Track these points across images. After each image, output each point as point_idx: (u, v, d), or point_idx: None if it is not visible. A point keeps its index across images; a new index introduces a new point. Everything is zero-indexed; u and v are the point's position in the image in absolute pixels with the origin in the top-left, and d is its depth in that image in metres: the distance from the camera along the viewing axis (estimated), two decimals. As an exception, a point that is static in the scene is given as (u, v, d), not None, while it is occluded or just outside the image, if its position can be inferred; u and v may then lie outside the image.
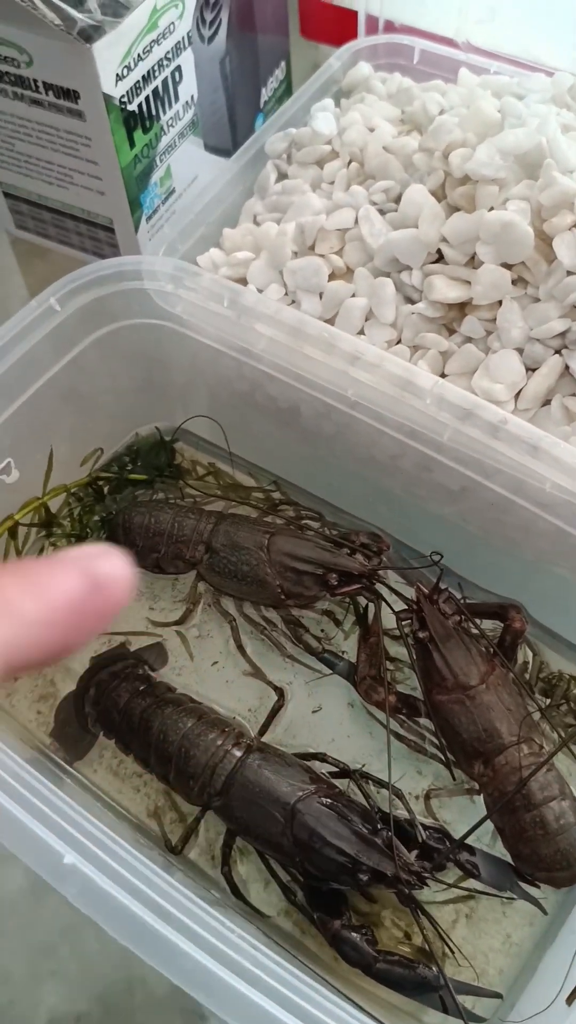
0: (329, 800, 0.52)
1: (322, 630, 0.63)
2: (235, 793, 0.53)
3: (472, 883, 0.53)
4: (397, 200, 0.63)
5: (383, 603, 0.60)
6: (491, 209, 0.57)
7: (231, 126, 0.82)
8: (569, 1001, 0.44)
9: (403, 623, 0.58)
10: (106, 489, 0.68)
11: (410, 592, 0.60)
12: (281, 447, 0.68)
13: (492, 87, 0.67)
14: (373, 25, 0.84)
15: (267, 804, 0.52)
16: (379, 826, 0.52)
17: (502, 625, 0.59)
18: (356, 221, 0.62)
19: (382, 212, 0.63)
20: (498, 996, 0.52)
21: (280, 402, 0.64)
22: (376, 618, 0.60)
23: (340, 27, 0.89)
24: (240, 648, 0.62)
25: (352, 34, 0.85)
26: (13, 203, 0.81)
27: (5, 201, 0.81)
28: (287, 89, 0.91)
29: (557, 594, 0.61)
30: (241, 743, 0.55)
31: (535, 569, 0.61)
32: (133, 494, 0.68)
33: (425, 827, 0.54)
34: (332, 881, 0.52)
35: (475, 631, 0.58)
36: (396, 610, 0.59)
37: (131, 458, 0.69)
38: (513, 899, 0.53)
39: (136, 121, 0.69)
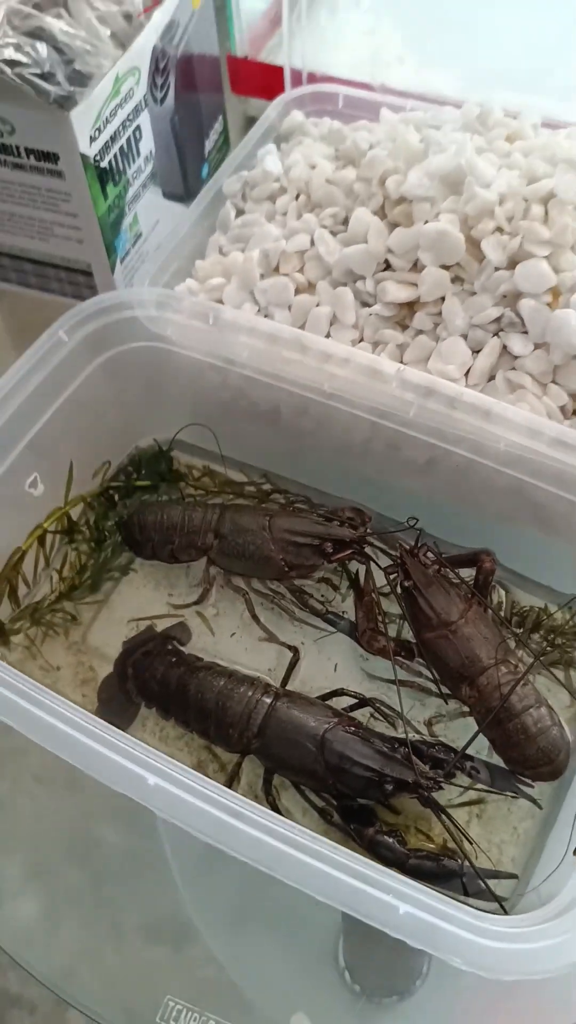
0: (352, 728, 0.61)
1: (323, 595, 0.73)
2: (271, 734, 0.62)
3: (479, 786, 0.63)
4: (344, 223, 0.74)
5: (372, 564, 0.70)
6: (427, 222, 0.68)
7: (183, 175, 0.93)
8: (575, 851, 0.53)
9: (391, 577, 0.68)
10: (116, 497, 0.76)
11: (394, 555, 0.70)
12: (266, 445, 0.77)
13: (411, 122, 0.79)
14: (298, 77, 0.96)
15: (300, 738, 0.61)
16: (396, 745, 0.61)
17: (475, 570, 0.69)
18: (312, 243, 0.73)
19: (333, 234, 0.73)
20: (514, 876, 0.61)
21: (262, 405, 0.73)
22: (368, 577, 0.69)
23: (266, 82, 1.01)
24: (255, 617, 0.71)
25: (277, 87, 0.97)
26: (-6, 259, 0.90)
27: (-14, 258, 0.90)
28: (225, 140, 1.02)
29: (519, 543, 0.71)
30: (269, 691, 0.64)
31: (499, 524, 0.71)
32: (140, 499, 0.77)
33: (432, 744, 0.63)
34: (362, 797, 0.60)
35: (453, 577, 0.67)
36: (384, 567, 0.69)
37: (135, 468, 0.78)
38: (515, 796, 0.63)
39: (107, 176, 0.79)
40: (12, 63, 0.73)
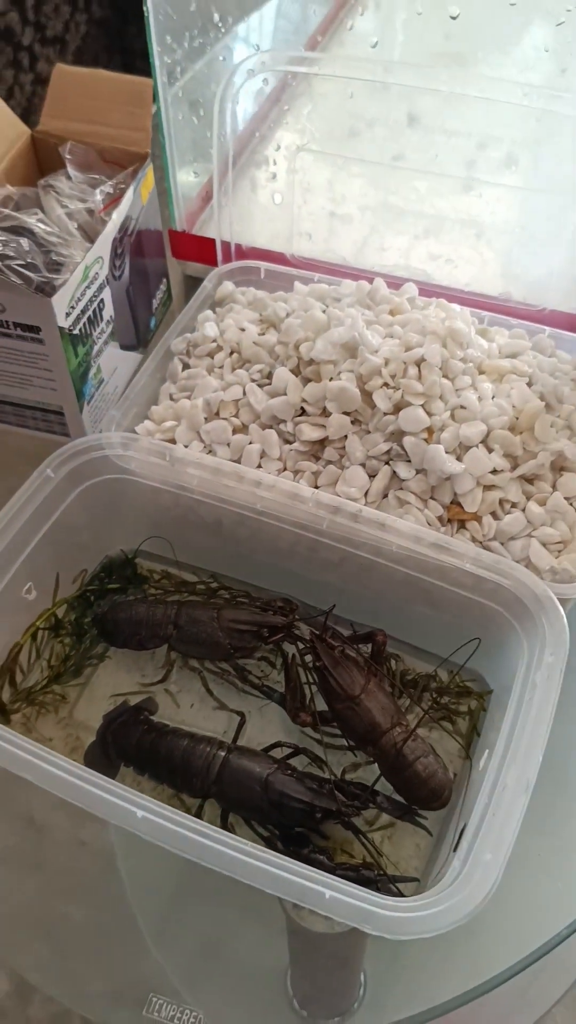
0: (289, 771, 0.79)
1: (262, 671, 0.91)
2: (225, 780, 0.79)
3: (385, 815, 0.81)
4: (268, 377, 0.94)
5: (297, 649, 0.89)
6: (331, 379, 0.89)
7: (135, 329, 1.14)
8: (453, 849, 0.72)
9: (304, 657, 0.87)
10: (92, 598, 0.94)
11: (307, 640, 0.89)
12: (212, 551, 0.96)
13: (316, 294, 1.01)
14: (227, 247, 1.18)
15: (248, 782, 0.78)
16: (322, 784, 0.79)
17: (371, 645, 0.88)
18: (244, 393, 0.94)
19: (260, 386, 0.94)
20: (416, 879, 0.79)
21: (208, 519, 0.93)
22: (293, 663, 0.88)
23: (200, 249, 1.23)
24: (208, 691, 0.88)
25: (209, 253, 1.19)
26: (-20, 402, 1.09)
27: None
28: (168, 296, 1.23)
29: (414, 620, 0.91)
30: (223, 747, 0.81)
31: (397, 606, 0.91)
32: (112, 599, 0.95)
33: (350, 783, 0.81)
34: (298, 825, 0.78)
35: (355, 655, 0.86)
36: (300, 648, 0.88)
37: (106, 573, 0.96)
38: (413, 823, 0.81)
39: (78, 340, 0.99)
40: (2, 256, 0.94)
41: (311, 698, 0.87)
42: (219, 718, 0.88)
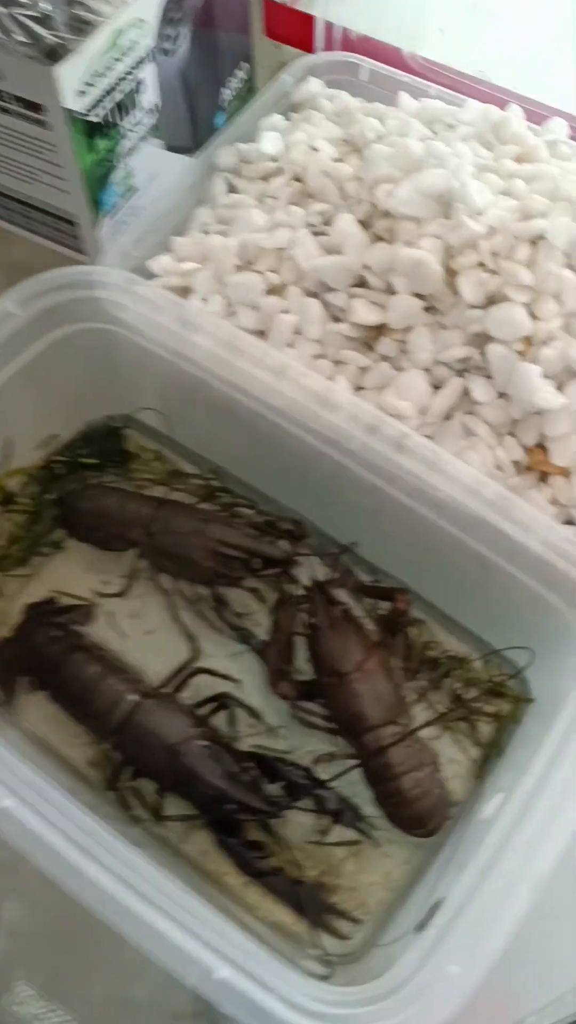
0: (206, 743, 0.62)
1: (247, 605, 0.72)
2: (128, 734, 0.62)
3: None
4: (329, 223, 0.69)
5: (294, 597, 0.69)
6: (409, 244, 0.64)
7: (192, 127, 0.88)
8: (417, 929, 0.53)
9: (300, 607, 0.67)
10: (60, 472, 0.75)
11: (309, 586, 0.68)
12: (221, 440, 0.75)
13: (427, 115, 0.74)
14: (329, 31, 0.90)
15: (154, 745, 0.62)
16: (247, 766, 0.61)
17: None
18: (292, 243, 0.69)
19: (317, 233, 0.69)
20: (357, 920, 0.61)
21: (218, 402, 0.71)
22: (285, 613, 0.68)
23: (301, 29, 0.94)
24: (176, 618, 0.70)
25: (310, 36, 0.91)
26: (-15, 192, 0.86)
27: (-23, 190, 0.87)
28: (250, 88, 0.96)
29: (455, 586, 0.69)
30: (138, 690, 0.64)
31: (437, 566, 0.69)
32: (84, 477, 0.75)
33: (294, 767, 0.63)
34: (206, 812, 0.61)
35: (362, 619, 0.65)
36: (296, 596, 0.67)
37: (84, 444, 0.76)
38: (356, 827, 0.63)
39: (97, 130, 0.75)
40: (8, 2, 0.69)
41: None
42: (173, 657, 0.70)
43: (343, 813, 0.62)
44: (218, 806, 0.60)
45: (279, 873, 0.61)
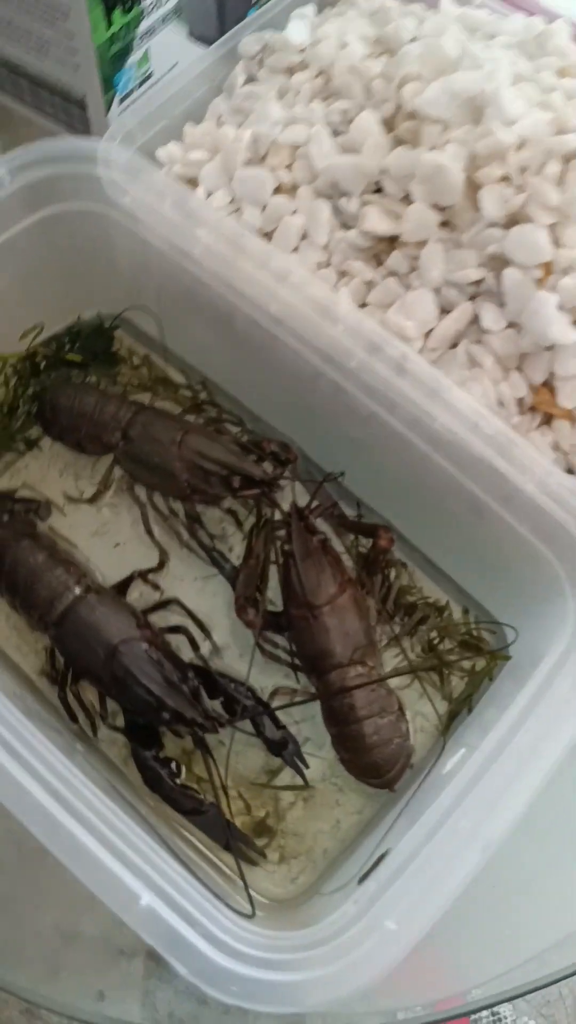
0: (147, 646, 0.58)
1: (223, 527, 0.68)
2: (68, 628, 0.59)
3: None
4: (351, 123, 0.64)
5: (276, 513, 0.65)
6: (432, 148, 0.58)
7: (219, 17, 0.82)
8: (359, 881, 0.50)
9: (275, 533, 0.63)
10: (42, 365, 0.70)
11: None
12: (214, 349, 0.70)
13: (469, 21, 0.67)
14: None
15: (93, 641, 0.59)
16: (189, 676, 0.58)
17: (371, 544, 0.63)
18: (308, 139, 0.64)
19: (336, 133, 0.64)
20: (262, 856, 0.59)
21: (217, 306, 0.66)
22: (260, 538, 0.64)
23: None
24: (149, 532, 0.66)
25: None
26: (-7, 64, 0.81)
27: (-15, 61, 0.81)
28: (287, -19, 0.89)
29: (443, 530, 0.65)
30: (82, 583, 0.61)
31: (425, 505, 0.65)
32: (67, 374, 0.71)
33: (239, 684, 0.60)
34: (141, 716, 0.58)
35: (337, 552, 0.61)
36: (271, 521, 0.63)
37: (70, 339, 0.72)
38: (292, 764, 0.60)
39: (115, 0, 0.69)
40: None
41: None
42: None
43: (283, 744, 0.59)
44: (154, 714, 0.57)
45: (188, 791, 0.57)
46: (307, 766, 0.60)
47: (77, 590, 0.60)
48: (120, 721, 0.60)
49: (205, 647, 0.64)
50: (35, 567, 0.60)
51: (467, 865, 0.46)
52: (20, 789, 0.46)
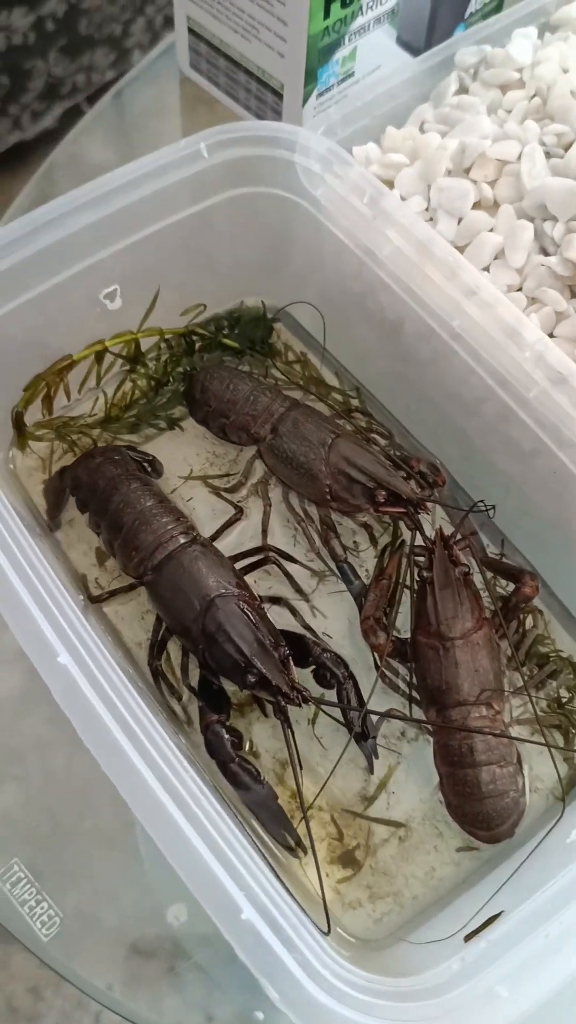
0: (245, 605, 0.56)
1: (355, 541, 0.65)
2: (166, 574, 0.58)
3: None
4: (567, 148, 0.61)
5: (408, 544, 0.61)
6: None
7: (429, 26, 0.80)
8: (466, 938, 0.46)
9: (415, 558, 0.59)
10: (197, 345, 0.69)
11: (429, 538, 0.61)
12: (374, 358, 0.68)
13: None
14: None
15: (190, 591, 0.56)
16: (282, 643, 0.56)
17: (513, 590, 0.60)
18: (519, 156, 0.61)
19: (548, 155, 0.61)
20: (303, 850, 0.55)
21: (388, 312, 0.64)
22: (395, 559, 0.61)
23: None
24: (264, 532, 0.64)
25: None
26: (194, 41, 0.80)
27: (188, 38, 0.81)
28: (497, 7, 0.87)
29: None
30: (189, 534, 0.59)
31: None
32: (221, 358, 0.69)
33: (334, 656, 0.57)
34: (225, 675, 0.56)
35: (479, 588, 0.58)
36: (413, 545, 0.60)
37: (230, 324, 0.70)
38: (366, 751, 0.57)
39: (337, -8, 0.68)
40: None
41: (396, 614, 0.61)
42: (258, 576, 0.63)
43: (365, 734, 0.56)
44: (240, 674, 0.54)
45: (246, 764, 0.54)
46: (377, 757, 0.58)
47: (182, 539, 0.58)
48: (195, 680, 0.58)
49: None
50: (144, 510, 0.59)
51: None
52: (132, 769, 0.43)
